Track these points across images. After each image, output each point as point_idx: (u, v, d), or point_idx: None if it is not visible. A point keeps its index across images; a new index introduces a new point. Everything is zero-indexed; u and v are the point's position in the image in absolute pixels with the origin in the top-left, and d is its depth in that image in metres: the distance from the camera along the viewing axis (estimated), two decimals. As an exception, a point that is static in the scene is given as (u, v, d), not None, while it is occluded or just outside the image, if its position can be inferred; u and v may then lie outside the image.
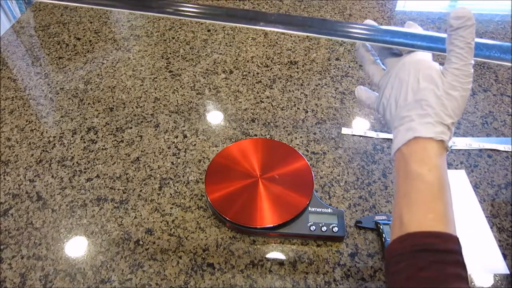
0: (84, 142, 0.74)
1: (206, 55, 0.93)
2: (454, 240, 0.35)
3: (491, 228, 0.59)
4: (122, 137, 0.74)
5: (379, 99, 0.45)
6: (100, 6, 0.54)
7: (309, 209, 0.59)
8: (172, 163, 0.70)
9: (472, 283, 0.54)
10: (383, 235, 0.57)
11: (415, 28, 0.45)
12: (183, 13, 0.51)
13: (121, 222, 0.61)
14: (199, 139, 0.74)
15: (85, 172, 0.68)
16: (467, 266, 0.35)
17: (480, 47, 0.42)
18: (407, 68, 0.41)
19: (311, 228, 0.57)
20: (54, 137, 0.75)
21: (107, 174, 0.68)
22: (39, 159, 0.71)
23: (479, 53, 0.42)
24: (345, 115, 0.78)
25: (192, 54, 0.94)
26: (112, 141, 0.74)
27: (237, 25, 0.49)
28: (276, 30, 0.48)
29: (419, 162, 0.37)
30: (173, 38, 0.99)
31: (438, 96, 0.38)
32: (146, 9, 0.52)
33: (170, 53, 0.94)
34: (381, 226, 0.58)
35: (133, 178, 0.67)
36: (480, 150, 0.71)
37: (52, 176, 0.68)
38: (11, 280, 0.55)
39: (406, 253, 0.35)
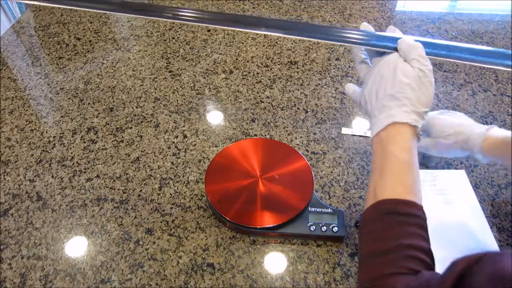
0: (84, 142, 0.74)
1: (206, 55, 0.93)
2: (419, 207, 0.41)
3: (491, 228, 0.59)
4: (122, 137, 0.74)
5: (362, 92, 0.51)
6: (98, 10, 0.55)
7: (309, 209, 0.59)
8: (172, 163, 0.70)
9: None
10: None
11: (397, 33, 0.50)
12: (183, 17, 0.53)
13: (121, 222, 0.61)
14: (199, 139, 0.74)
15: (85, 172, 0.68)
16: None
17: (481, 54, 0.48)
18: (387, 65, 0.47)
19: (311, 228, 0.57)
20: (54, 137, 0.75)
21: (107, 174, 0.68)
22: (39, 159, 0.71)
23: (481, 58, 0.48)
24: (345, 115, 0.78)
25: (192, 54, 0.94)
26: (112, 141, 0.74)
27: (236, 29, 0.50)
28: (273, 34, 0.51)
29: (394, 144, 0.44)
30: (173, 38, 0.99)
31: (414, 89, 0.44)
32: (151, 14, 0.54)
33: (170, 53, 0.94)
34: (381, 226, 0.58)
35: (133, 178, 0.67)
36: (480, 150, 0.71)
37: (52, 176, 0.68)
38: (11, 280, 0.55)
39: (376, 217, 0.42)
